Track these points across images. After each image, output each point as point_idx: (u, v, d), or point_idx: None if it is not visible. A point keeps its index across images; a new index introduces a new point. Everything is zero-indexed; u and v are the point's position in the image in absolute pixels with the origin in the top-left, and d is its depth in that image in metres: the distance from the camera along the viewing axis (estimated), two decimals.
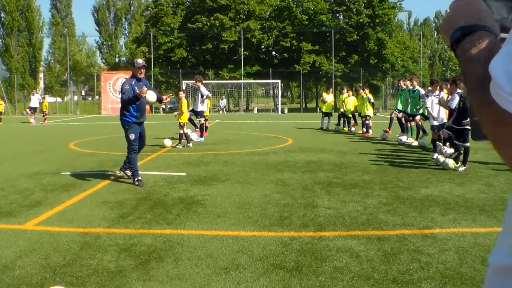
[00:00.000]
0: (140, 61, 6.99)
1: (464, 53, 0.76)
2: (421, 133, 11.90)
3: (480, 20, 0.78)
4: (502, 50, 0.67)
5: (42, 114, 24.22)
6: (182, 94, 11.98)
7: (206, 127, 14.45)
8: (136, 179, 6.70)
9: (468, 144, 7.95)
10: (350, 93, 16.62)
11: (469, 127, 7.86)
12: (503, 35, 0.78)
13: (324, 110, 17.65)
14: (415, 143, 11.74)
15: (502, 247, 0.74)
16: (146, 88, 6.69)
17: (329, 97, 17.31)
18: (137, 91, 6.56)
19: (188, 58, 40.75)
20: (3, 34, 40.49)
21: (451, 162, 7.84)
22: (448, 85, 8.98)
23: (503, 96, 0.64)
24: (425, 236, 4.22)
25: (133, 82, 6.81)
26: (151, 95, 6.83)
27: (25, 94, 39.94)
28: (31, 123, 23.75)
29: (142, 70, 6.88)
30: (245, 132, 16.89)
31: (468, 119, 7.87)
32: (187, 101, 12.48)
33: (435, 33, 63.85)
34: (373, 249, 3.87)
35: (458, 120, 7.97)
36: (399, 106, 12.98)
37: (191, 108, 12.91)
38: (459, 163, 7.90)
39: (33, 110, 24.85)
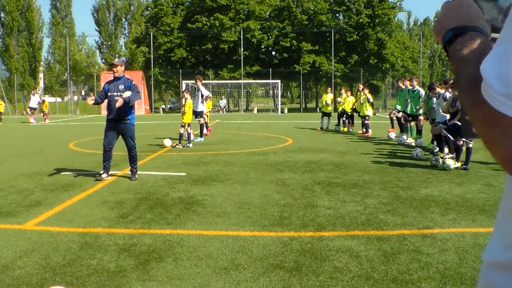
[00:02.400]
0: (115, 59, 7.21)
1: (456, 54, 0.78)
2: (415, 133, 11.97)
3: (471, 21, 0.79)
4: (493, 51, 0.68)
5: (42, 114, 24.21)
6: (186, 95, 12.01)
7: (207, 124, 14.43)
8: (100, 173, 7.09)
9: (470, 145, 7.96)
10: (349, 93, 16.66)
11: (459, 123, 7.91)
12: (494, 35, 0.79)
13: (324, 110, 17.69)
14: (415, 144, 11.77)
15: (495, 244, 0.76)
16: (91, 101, 7.21)
17: (328, 96, 17.36)
18: (88, 101, 7.24)
19: (188, 58, 40.79)
20: (3, 34, 40.50)
21: (452, 163, 7.84)
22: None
23: (494, 97, 0.65)
24: (425, 236, 4.22)
25: (107, 83, 7.10)
26: (126, 94, 6.81)
27: (25, 94, 39.98)
28: (31, 123, 23.74)
29: (114, 69, 6.99)
30: (245, 132, 16.89)
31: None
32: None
33: None
34: (373, 249, 3.87)
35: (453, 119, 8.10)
36: (398, 107, 13.05)
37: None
38: (458, 162, 7.93)
39: (33, 110, 24.82)
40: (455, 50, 0.78)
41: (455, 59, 0.78)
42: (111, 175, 7.50)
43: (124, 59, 46.15)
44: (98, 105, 7.17)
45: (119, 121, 6.94)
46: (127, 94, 6.77)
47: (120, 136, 7.11)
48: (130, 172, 7.22)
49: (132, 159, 7.15)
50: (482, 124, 0.70)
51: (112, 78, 7.07)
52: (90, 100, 7.24)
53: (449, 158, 7.94)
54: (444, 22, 0.83)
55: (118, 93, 6.82)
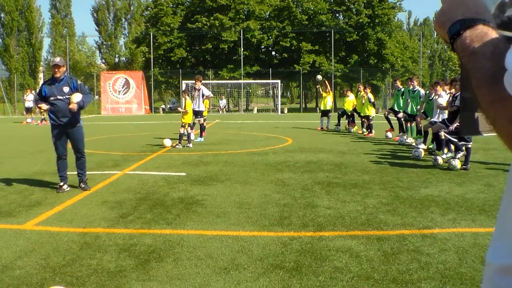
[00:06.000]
0: (57, 59, 6.28)
1: (466, 47, 0.74)
2: (415, 133, 11.99)
3: (478, 13, 0.76)
4: None
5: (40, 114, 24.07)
6: (185, 95, 12.02)
7: (204, 127, 14.45)
8: (59, 184, 6.39)
9: (470, 145, 7.96)
10: (349, 92, 16.73)
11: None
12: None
13: (323, 109, 17.68)
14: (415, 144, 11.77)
15: (502, 247, 0.73)
16: (45, 106, 6.19)
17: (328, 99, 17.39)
18: (40, 105, 6.23)
19: (188, 58, 40.77)
20: (3, 34, 40.49)
21: (457, 163, 7.83)
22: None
23: None
24: (425, 236, 4.22)
25: (46, 84, 6.33)
26: (75, 98, 6.15)
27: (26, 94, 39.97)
28: (29, 123, 23.61)
29: (56, 70, 6.20)
30: (245, 132, 16.89)
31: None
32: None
33: (435, 33, 63.84)
34: (373, 249, 3.87)
35: (454, 119, 8.09)
36: (396, 107, 13.11)
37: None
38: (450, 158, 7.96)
39: (28, 110, 24.65)
40: (465, 44, 0.75)
41: (466, 52, 0.74)
42: (111, 174, 7.51)
43: (124, 59, 46.23)
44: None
45: (69, 126, 6.32)
46: (78, 97, 6.15)
47: (68, 140, 6.46)
48: (79, 182, 6.50)
49: (81, 166, 6.49)
50: (505, 121, 0.66)
51: (51, 79, 6.33)
52: (45, 106, 6.29)
53: (457, 158, 7.93)
54: (449, 13, 0.79)
55: (65, 97, 6.19)
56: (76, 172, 6.52)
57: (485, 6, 0.78)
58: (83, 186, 6.45)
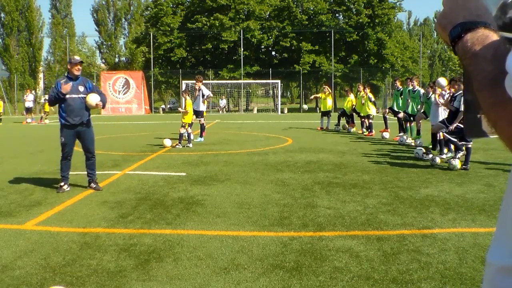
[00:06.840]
0: (77, 57, 6.40)
1: (468, 50, 0.75)
2: (414, 134, 11.99)
3: (480, 16, 0.77)
4: None
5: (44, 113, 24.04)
6: (185, 95, 12.03)
7: (204, 127, 14.44)
8: (60, 184, 6.36)
9: (470, 145, 7.96)
10: (349, 92, 16.74)
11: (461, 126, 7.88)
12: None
13: (322, 110, 17.69)
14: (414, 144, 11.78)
15: (504, 247, 0.73)
16: (69, 86, 6.10)
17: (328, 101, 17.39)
18: (63, 86, 6.05)
19: (188, 58, 40.77)
20: (3, 34, 40.49)
21: (457, 163, 7.82)
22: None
23: None
24: (425, 236, 4.22)
25: (62, 81, 6.24)
26: (92, 98, 6.21)
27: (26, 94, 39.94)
28: (29, 123, 23.61)
29: (79, 67, 6.26)
30: (245, 132, 16.89)
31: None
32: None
33: (435, 33, 63.85)
34: (372, 249, 3.87)
35: (453, 119, 8.10)
36: (395, 107, 13.12)
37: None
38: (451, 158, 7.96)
39: (28, 110, 24.64)
40: (466, 47, 0.75)
41: (468, 55, 0.75)
42: (111, 174, 7.50)
43: (124, 59, 46.23)
44: (52, 106, 6.27)
45: (81, 125, 6.31)
46: (96, 97, 6.24)
47: (77, 140, 6.44)
48: (89, 182, 6.46)
49: (92, 166, 6.44)
50: (506, 123, 0.67)
51: (67, 76, 6.29)
52: (67, 87, 6.14)
53: (457, 157, 7.93)
54: (451, 16, 0.79)
55: (80, 96, 6.21)
56: (86, 172, 6.51)
57: (486, 8, 0.78)
58: (94, 186, 6.41)
